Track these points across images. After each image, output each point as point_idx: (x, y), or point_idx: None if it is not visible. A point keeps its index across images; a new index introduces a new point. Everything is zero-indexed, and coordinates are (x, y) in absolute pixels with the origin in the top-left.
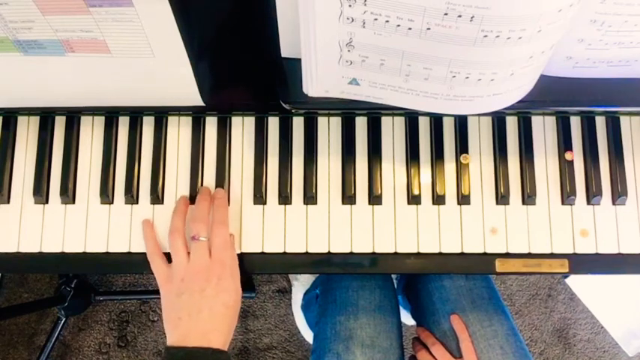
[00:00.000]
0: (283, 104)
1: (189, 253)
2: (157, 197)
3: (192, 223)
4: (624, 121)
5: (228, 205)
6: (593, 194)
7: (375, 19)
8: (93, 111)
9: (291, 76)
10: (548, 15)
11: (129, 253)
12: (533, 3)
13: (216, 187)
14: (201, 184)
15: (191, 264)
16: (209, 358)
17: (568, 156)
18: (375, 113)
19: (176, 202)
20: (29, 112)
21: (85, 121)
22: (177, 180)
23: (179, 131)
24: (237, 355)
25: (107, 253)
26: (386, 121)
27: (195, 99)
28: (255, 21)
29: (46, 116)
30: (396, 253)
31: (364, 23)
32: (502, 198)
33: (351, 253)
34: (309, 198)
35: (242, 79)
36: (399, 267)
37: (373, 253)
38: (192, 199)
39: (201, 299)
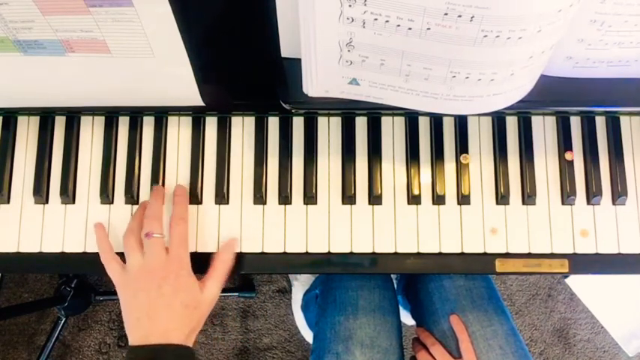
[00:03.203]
0: (283, 104)
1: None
2: None
3: (145, 219)
4: (624, 121)
5: (228, 204)
6: (593, 194)
7: (375, 19)
8: (93, 111)
9: (291, 76)
10: (548, 15)
11: None
12: (533, 3)
13: (217, 187)
14: (202, 184)
15: (145, 262)
16: (171, 354)
17: (568, 156)
18: (375, 113)
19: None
20: (29, 112)
21: (85, 121)
22: (177, 180)
23: (179, 131)
24: (237, 355)
25: None
26: (386, 121)
27: (195, 99)
28: (255, 21)
29: (46, 116)
30: (396, 253)
31: (364, 23)
32: (502, 198)
33: (351, 253)
34: (309, 198)
35: (242, 79)
36: (399, 267)
37: (373, 253)
38: (192, 199)
39: (158, 298)
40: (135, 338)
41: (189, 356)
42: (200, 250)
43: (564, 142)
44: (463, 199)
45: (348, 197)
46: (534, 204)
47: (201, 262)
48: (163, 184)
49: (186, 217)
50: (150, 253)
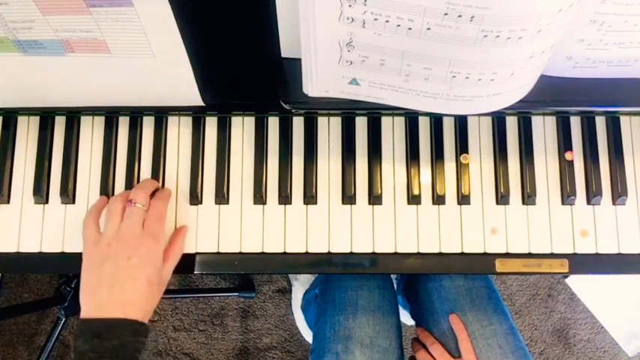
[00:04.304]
0: (283, 104)
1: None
2: None
3: (133, 190)
4: (624, 121)
5: (228, 204)
6: (593, 194)
7: (375, 19)
8: (93, 111)
9: (291, 76)
10: (548, 15)
11: None
12: (533, 3)
13: (217, 187)
14: (201, 184)
15: (121, 230)
16: (126, 329)
17: (568, 156)
18: (375, 113)
19: None
20: (29, 112)
21: (85, 121)
22: (177, 180)
23: (179, 131)
24: (237, 355)
25: None
26: (386, 121)
27: (195, 99)
28: (255, 21)
29: (46, 116)
30: (396, 253)
31: (364, 23)
32: (502, 198)
33: (351, 253)
34: (309, 198)
35: (242, 79)
36: (399, 267)
37: (373, 253)
38: (192, 199)
39: (125, 268)
40: (89, 307)
41: (145, 334)
42: (200, 250)
43: (564, 142)
44: (463, 199)
45: (348, 197)
46: (534, 204)
47: (201, 263)
48: (163, 184)
49: (167, 200)
50: (127, 221)
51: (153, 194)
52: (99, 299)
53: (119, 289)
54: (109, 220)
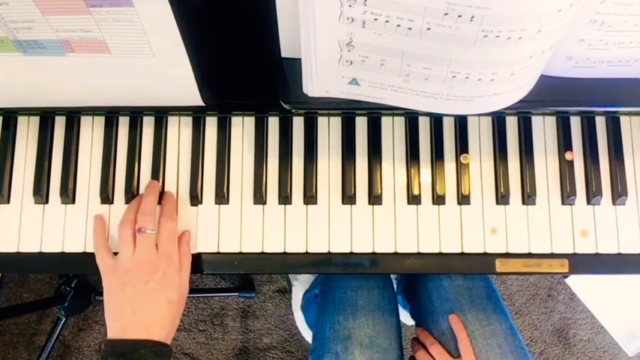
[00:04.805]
0: (283, 104)
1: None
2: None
3: (139, 215)
4: (624, 121)
5: (228, 204)
6: (593, 194)
7: (375, 19)
8: (93, 111)
9: (291, 76)
10: (548, 15)
11: None
12: (533, 3)
13: (217, 187)
14: (201, 184)
15: (136, 256)
16: (150, 350)
17: (568, 156)
18: (375, 113)
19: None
20: (29, 112)
21: (85, 121)
22: (177, 180)
23: (179, 131)
24: (237, 355)
25: None
26: (386, 121)
27: (195, 99)
28: (255, 21)
29: (46, 116)
30: (396, 253)
31: (364, 23)
32: (502, 198)
33: (351, 253)
34: (309, 198)
35: (242, 79)
36: (399, 267)
37: (373, 253)
38: (192, 199)
39: (144, 292)
40: (115, 330)
41: (168, 354)
42: (200, 250)
43: (564, 142)
44: (463, 199)
45: (348, 197)
46: (534, 204)
47: (200, 263)
48: (163, 184)
49: (175, 216)
50: (141, 248)
51: (158, 197)
52: (123, 322)
53: (141, 312)
54: (122, 247)
